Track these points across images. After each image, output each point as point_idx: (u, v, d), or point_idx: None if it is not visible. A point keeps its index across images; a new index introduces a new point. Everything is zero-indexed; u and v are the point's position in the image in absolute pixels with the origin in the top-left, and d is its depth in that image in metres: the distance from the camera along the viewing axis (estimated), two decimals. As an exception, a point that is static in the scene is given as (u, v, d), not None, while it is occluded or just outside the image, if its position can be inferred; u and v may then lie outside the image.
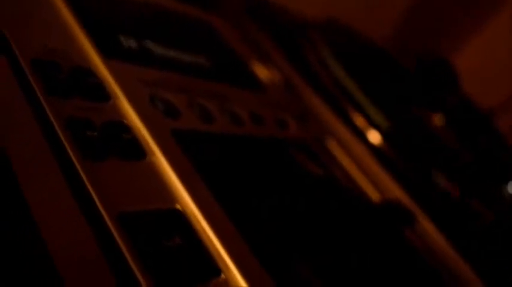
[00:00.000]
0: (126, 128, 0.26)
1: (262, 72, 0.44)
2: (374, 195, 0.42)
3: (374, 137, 0.46)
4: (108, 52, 0.30)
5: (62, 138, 0.23)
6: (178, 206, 0.25)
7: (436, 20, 1.02)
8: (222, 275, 0.23)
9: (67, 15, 0.31)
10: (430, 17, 1.04)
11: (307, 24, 0.61)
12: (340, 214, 0.35)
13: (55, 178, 0.22)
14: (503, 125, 1.08)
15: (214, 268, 0.23)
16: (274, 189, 0.31)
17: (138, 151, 0.26)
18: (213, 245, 0.24)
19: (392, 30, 0.93)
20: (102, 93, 0.27)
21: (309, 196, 0.33)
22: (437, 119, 0.62)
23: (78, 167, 0.22)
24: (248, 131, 0.34)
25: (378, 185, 0.43)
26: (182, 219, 0.24)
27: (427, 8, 1.01)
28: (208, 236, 0.24)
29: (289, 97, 0.44)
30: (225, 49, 0.43)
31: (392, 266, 0.37)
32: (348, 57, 0.59)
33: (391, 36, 0.93)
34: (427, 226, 0.42)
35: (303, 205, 0.32)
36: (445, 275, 0.41)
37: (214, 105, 0.33)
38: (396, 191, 0.43)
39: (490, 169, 0.63)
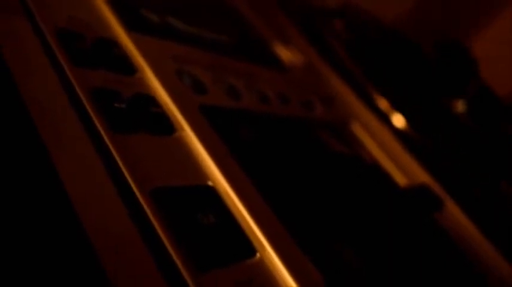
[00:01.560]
0: (154, 102, 0.25)
1: (285, 54, 0.42)
2: (401, 179, 0.41)
3: (398, 120, 0.45)
4: (132, 25, 0.29)
5: (90, 110, 0.22)
6: (210, 183, 0.24)
7: (450, 9, 1.00)
8: (258, 255, 0.22)
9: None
10: (444, 6, 1.03)
11: (328, 11, 0.60)
12: (371, 197, 0.34)
13: (86, 151, 0.21)
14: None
15: (249, 247, 0.22)
16: (304, 169, 0.30)
17: (167, 126, 0.25)
18: (248, 224, 0.23)
19: (404, 21, 0.91)
20: (128, 66, 0.26)
21: (340, 177, 0.32)
22: (460, 105, 0.61)
23: (107, 139, 0.21)
24: (275, 109, 0.33)
25: (404, 169, 0.42)
26: (215, 196, 0.23)
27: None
28: (242, 215, 0.23)
29: (313, 80, 0.43)
30: (248, 30, 0.42)
31: (422, 250, 0.36)
32: (369, 42, 0.58)
33: (403, 26, 0.91)
34: (455, 211, 0.41)
35: (334, 186, 0.31)
36: (473, 260, 0.40)
37: (240, 82, 0.32)
38: (423, 176, 0.42)
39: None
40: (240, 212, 0.23)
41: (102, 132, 0.22)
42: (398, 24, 0.83)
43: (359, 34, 0.57)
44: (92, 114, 0.22)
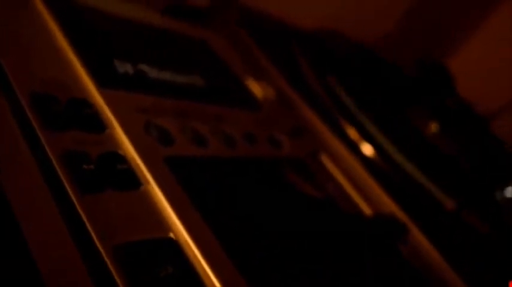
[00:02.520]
0: (121, 159, 0.28)
1: (256, 88, 0.45)
2: (367, 209, 0.44)
3: (367, 149, 0.48)
4: (103, 81, 0.31)
5: (59, 173, 0.25)
6: (171, 235, 0.26)
7: (433, 24, 1.03)
8: (215, 304, 0.25)
9: (63, 44, 0.32)
10: (427, 22, 1.05)
11: (302, 35, 0.63)
12: (333, 232, 0.36)
13: (51, 212, 0.23)
14: (505, 127, 1.10)
15: (206, 295, 0.25)
16: (268, 211, 0.33)
17: (133, 181, 0.28)
18: (206, 274, 0.26)
19: (388, 36, 0.94)
20: (98, 124, 0.29)
21: (303, 217, 0.35)
22: (434, 127, 0.64)
23: (75, 201, 0.24)
24: (241, 152, 0.35)
25: (371, 198, 0.45)
26: (175, 247, 0.26)
27: (424, 14, 1.03)
28: (200, 265, 0.26)
29: (284, 112, 0.45)
30: (220, 67, 0.45)
31: (384, 280, 0.38)
32: (343, 67, 0.61)
33: (388, 42, 0.94)
34: (420, 239, 0.44)
35: (297, 228, 0.33)
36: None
37: (207, 128, 0.35)
38: (389, 205, 0.45)
39: (486, 176, 0.65)
40: (198, 261, 0.26)
41: (71, 194, 0.24)
42: (379, 47, 0.85)
43: (333, 60, 0.60)
44: (61, 177, 0.25)
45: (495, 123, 1.10)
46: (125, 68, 0.35)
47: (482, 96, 1.06)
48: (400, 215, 0.44)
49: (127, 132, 0.29)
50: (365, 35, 0.78)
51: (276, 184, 0.36)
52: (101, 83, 0.31)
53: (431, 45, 1.05)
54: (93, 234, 0.23)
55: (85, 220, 0.24)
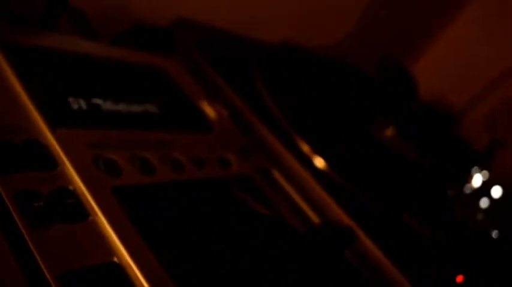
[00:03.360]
0: (70, 194, 0.32)
1: (209, 109, 0.49)
2: (316, 219, 0.48)
3: (319, 162, 0.52)
4: (56, 120, 0.35)
5: (12, 212, 0.28)
6: (115, 259, 0.30)
7: (390, 32, 1.07)
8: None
9: (16, 86, 0.36)
10: (391, 25, 1.09)
11: (261, 51, 0.66)
12: (281, 251, 0.40)
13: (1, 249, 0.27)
14: (470, 122, 1.14)
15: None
16: (212, 233, 0.37)
17: (82, 213, 0.31)
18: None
19: (352, 40, 0.98)
20: (50, 162, 0.33)
21: (248, 236, 0.39)
22: (390, 131, 0.68)
23: (26, 237, 0.28)
24: (188, 176, 0.39)
25: (322, 210, 0.49)
26: (118, 271, 0.30)
27: (388, 18, 1.06)
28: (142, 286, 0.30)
29: (236, 131, 0.49)
30: (174, 91, 0.48)
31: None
32: (301, 81, 0.65)
33: (355, 47, 0.98)
34: (368, 245, 0.48)
35: (242, 248, 0.37)
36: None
37: (156, 155, 0.39)
38: (339, 214, 0.49)
39: (442, 176, 0.69)
40: (141, 284, 0.30)
41: (22, 231, 0.28)
42: (340, 50, 0.89)
43: (290, 74, 0.64)
44: (13, 215, 0.28)
45: (464, 118, 1.15)
46: (78, 104, 0.38)
47: (450, 93, 1.10)
48: (349, 222, 0.48)
49: (76, 168, 0.33)
50: (326, 43, 0.82)
51: (222, 205, 0.40)
52: (54, 123, 0.35)
53: (397, 48, 1.09)
54: (41, 265, 0.27)
55: (34, 253, 0.28)
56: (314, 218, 0.48)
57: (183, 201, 0.37)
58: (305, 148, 0.52)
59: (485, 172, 0.76)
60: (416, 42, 1.14)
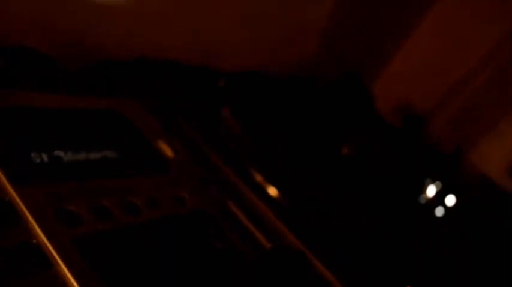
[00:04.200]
0: (33, 247, 0.36)
1: (166, 147, 0.53)
2: (270, 246, 0.52)
3: (272, 191, 0.56)
4: (18, 177, 0.39)
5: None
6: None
7: (352, 46, 1.11)
8: None
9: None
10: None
11: (218, 78, 0.71)
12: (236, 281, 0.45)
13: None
14: (437, 124, 1.19)
15: None
16: (167, 271, 0.41)
17: (46, 264, 0.36)
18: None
19: (322, 58, 1.02)
20: (14, 219, 0.37)
21: (205, 271, 0.43)
22: (346, 148, 0.73)
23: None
24: (144, 218, 0.44)
25: (275, 236, 0.53)
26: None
27: (354, 26, 1.11)
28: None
29: (192, 166, 0.54)
30: (132, 134, 0.53)
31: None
32: (256, 110, 0.69)
33: (322, 64, 1.03)
34: (319, 268, 0.53)
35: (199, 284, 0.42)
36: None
37: (113, 202, 0.43)
38: (290, 239, 0.53)
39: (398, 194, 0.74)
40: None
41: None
42: (304, 64, 0.94)
43: (245, 104, 0.68)
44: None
45: (431, 121, 1.20)
46: (40, 158, 0.42)
47: (417, 97, 1.16)
48: (301, 248, 0.53)
49: (38, 223, 0.37)
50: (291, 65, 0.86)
51: (178, 242, 0.44)
52: (16, 180, 0.39)
53: (362, 57, 1.13)
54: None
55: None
56: (267, 244, 0.52)
57: (140, 243, 0.42)
58: (258, 177, 0.57)
59: (438, 182, 0.81)
60: (382, 50, 1.19)
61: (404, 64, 1.23)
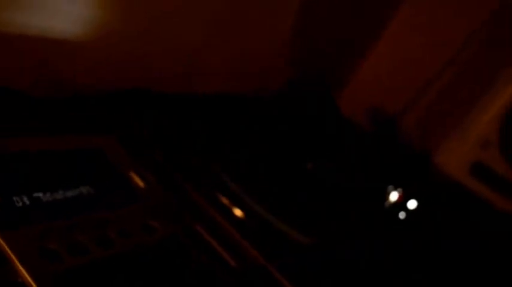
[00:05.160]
0: (21, 286, 0.42)
1: (137, 178, 0.59)
2: (236, 264, 0.58)
3: (238, 212, 0.62)
4: (5, 223, 0.45)
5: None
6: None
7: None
8: None
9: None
10: (327, 39, 1.19)
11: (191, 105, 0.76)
12: None
13: None
14: (407, 126, 1.25)
15: None
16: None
17: (29, 300, 0.41)
18: None
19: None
20: (1, 261, 0.42)
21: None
22: (309, 165, 0.79)
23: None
24: (118, 250, 0.49)
25: (241, 255, 0.59)
26: None
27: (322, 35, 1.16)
28: None
29: (163, 194, 0.59)
30: (106, 168, 0.58)
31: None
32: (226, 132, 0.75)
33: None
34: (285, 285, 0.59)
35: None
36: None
37: (89, 237, 0.48)
38: (255, 257, 0.59)
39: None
40: None
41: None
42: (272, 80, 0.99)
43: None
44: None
45: (401, 121, 1.26)
46: (22, 201, 0.48)
47: (388, 99, 1.22)
48: (265, 264, 0.59)
49: (22, 263, 0.43)
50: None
51: (151, 270, 0.50)
52: (1, 226, 0.44)
53: (330, 65, 1.19)
54: None
55: None
56: (234, 263, 0.58)
57: (116, 274, 0.47)
58: (224, 200, 0.63)
59: (399, 189, 0.88)
60: (351, 55, 1.24)
61: (373, 67, 1.28)
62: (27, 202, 0.48)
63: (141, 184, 0.59)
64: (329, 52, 1.19)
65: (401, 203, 0.87)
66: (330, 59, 1.20)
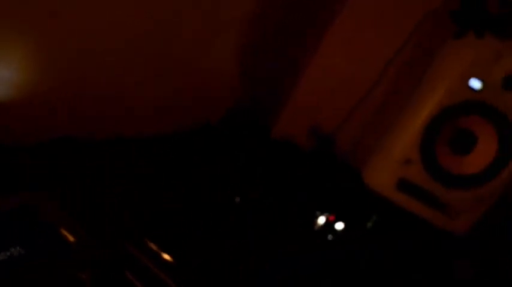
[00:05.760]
0: None
1: (68, 233, 0.63)
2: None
3: (167, 258, 0.67)
4: None
5: None
6: None
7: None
8: None
9: None
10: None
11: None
12: None
13: None
14: (341, 145, 1.31)
15: None
16: None
17: None
18: None
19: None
20: None
21: None
22: (236, 199, 0.84)
23: None
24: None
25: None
26: None
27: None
28: None
29: (94, 246, 0.64)
30: (39, 226, 0.62)
31: None
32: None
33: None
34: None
35: None
36: None
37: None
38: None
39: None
40: None
41: None
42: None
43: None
44: None
45: (338, 137, 1.31)
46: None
47: (325, 117, 1.27)
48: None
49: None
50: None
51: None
52: None
53: (267, 91, 1.23)
54: None
55: None
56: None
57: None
58: (153, 246, 0.67)
59: (326, 213, 0.94)
60: (287, 79, 1.28)
61: (308, 89, 1.33)
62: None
63: (71, 238, 0.63)
64: (264, 79, 1.23)
65: (329, 226, 0.94)
66: (266, 86, 1.24)
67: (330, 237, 0.93)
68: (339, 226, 0.95)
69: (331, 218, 0.96)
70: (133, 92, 0.87)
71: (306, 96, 1.30)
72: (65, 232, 0.63)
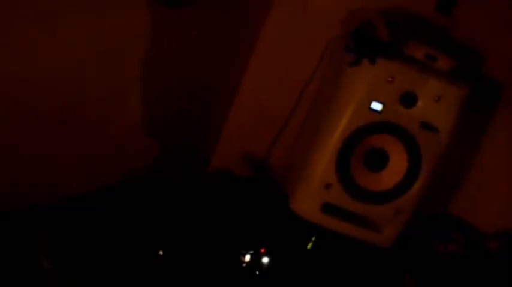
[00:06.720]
0: None
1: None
2: None
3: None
4: None
5: None
6: None
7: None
8: None
9: None
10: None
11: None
12: None
13: None
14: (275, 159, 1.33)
15: None
16: None
17: None
18: None
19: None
20: None
21: None
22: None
23: None
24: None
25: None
26: None
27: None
28: None
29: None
30: None
31: None
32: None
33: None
34: None
35: None
36: None
37: None
38: None
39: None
40: None
41: None
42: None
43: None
44: None
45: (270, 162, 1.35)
46: None
47: (257, 143, 1.28)
48: None
49: None
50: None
51: None
52: None
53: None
54: None
55: None
56: None
57: None
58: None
59: (251, 251, 0.99)
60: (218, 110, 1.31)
61: (237, 119, 1.37)
62: None
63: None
64: (191, 119, 1.27)
65: (255, 262, 0.99)
66: (194, 125, 1.27)
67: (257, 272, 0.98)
68: (266, 260, 1.00)
69: (262, 251, 1.01)
70: (48, 160, 0.90)
71: (235, 124, 1.34)
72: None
